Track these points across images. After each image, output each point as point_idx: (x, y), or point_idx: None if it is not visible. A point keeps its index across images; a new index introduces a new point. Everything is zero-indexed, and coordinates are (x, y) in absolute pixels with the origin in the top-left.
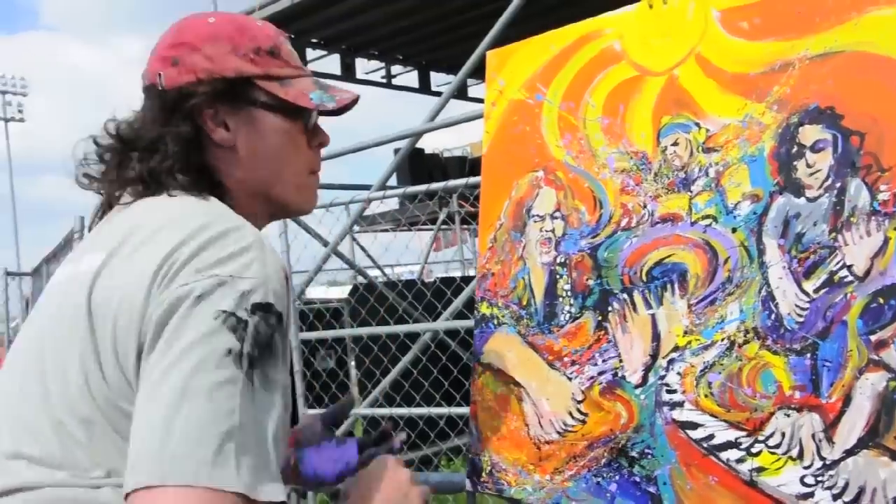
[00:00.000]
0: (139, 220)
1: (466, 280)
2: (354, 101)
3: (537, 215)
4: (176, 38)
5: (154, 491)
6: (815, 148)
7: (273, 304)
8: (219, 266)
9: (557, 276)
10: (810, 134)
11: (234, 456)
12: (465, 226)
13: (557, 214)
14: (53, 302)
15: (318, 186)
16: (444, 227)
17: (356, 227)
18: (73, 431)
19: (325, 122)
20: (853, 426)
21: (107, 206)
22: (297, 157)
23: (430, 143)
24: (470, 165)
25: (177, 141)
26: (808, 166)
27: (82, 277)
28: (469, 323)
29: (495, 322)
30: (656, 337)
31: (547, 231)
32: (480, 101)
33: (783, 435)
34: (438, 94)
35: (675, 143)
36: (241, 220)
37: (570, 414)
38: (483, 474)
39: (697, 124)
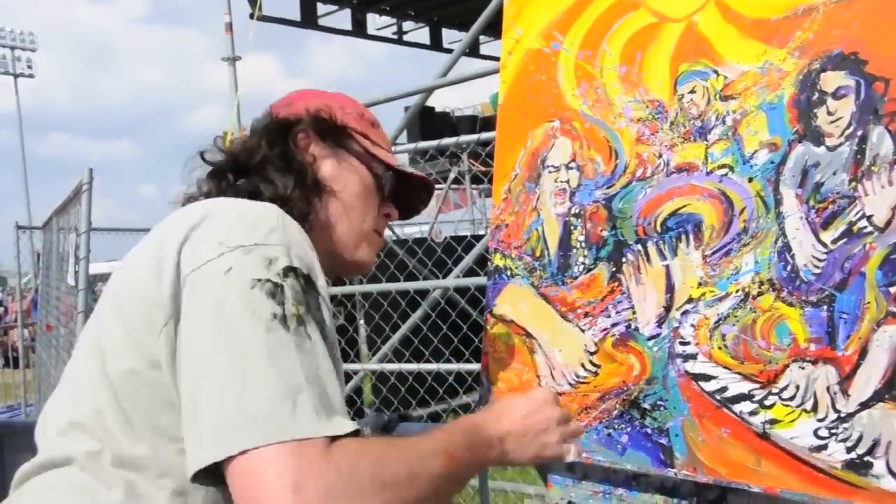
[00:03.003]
0: (180, 212)
1: (477, 238)
2: (429, 188)
3: (552, 166)
4: (296, 96)
5: (252, 454)
6: (836, 95)
7: (299, 268)
8: (241, 236)
9: (572, 227)
10: (832, 80)
11: (310, 407)
12: (476, 185)
13: (573, 165)
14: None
15: (377, 249)
16: (454, 186)
17: None
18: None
19: None
20: (869, 379)
21: None
22: (367, 210)
23: (441, 104)
24: (481, 125)
25: (271, 153)
26: (829, 114)
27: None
28: (479, 280)
29: (508, 273)
30: (670, 288)
31: (562, 181)
32: (492, 58)
33: (797, 387)
34: (450, 51)
35: (693, 91)
36: (265, 204)
37: (583, 365)
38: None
39: (716, 71)
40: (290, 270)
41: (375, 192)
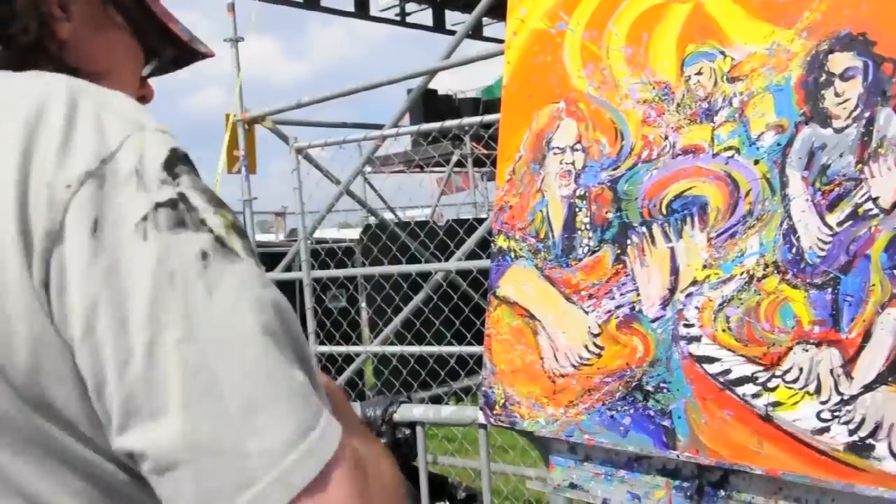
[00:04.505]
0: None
1: (479, 221)
2: (207, 56)
3: (557, 147)
4: None
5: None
6: (844, 76)
7: (179, 147)
8: (91, 145)
9: (576, 209)
10: (840, 61)
11: (317, 392)
12: (478, 168)
13: (578, 146)
14: None
15: None
16: (456, 169)
17: (368, 168)
18: None
19: None
20: (872, 361)
21: None
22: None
23: (444, 86)
24: (484, 107)
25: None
26: (837, 95)
27: None
28: (481, 263)
29: (512, 255)
30: (675, 270)
31: (567, 163)
32: (496, 40)
33: (801, 370)
34: (453, 33)
35: (699, 73)
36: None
37: (586, 347)
38: (496, 407)
39: (723, 53)
40: (177, 160)
41: (139, 68)
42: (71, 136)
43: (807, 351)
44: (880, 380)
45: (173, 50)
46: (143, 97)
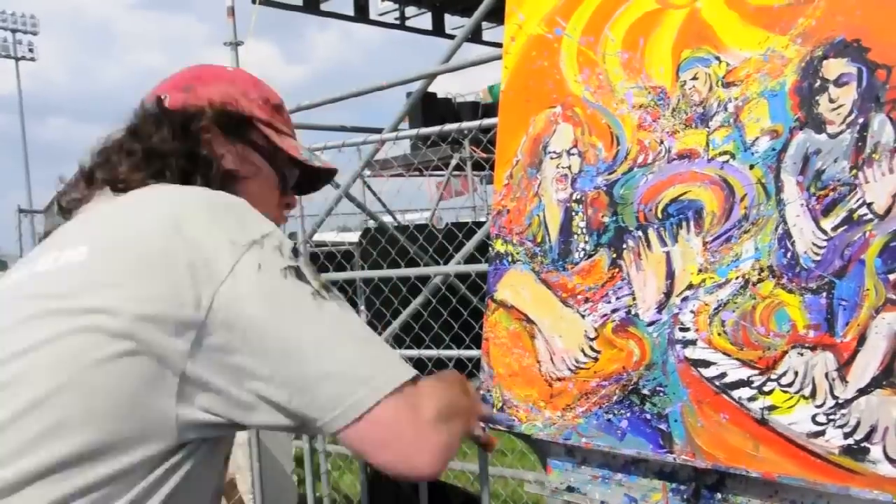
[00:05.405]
0: (140, 205)
1: (478, 225)
2: (333, 172)
3: (554, 152)
4: (193, 73)
5: (375, 408)
6: (838, 82)
7: (294, 245)
8: (245, 231)
9: (573, 214)
10: (834, 67)
11: (390, 353)
12: (477, 172)
13: (574, 151)
14: (22, 302)
15: None
16: (455, 172)
17: (367, 172)
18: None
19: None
20: (867, 365)
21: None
22: (266, 208)
23: (443, 90)
24: (483, 111)
25: (184, 157)
26: (831, 101)
27: (69, 269)
28: (480, 266)
29: (510, 259)
30: (670, 275)
31: (563, 167)
32: (495, 44)
33: (796, 374)
34: (452, 37)
35: (695, 78)
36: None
37: (583, 351)
38: (494, 410)
39: (718, 58)
40: (291, 250)
41: (277, 187)
42: (244, 218)
43: (802, 355)
44: (875, 383)
45: (297, 169)
46: (288, 205)
